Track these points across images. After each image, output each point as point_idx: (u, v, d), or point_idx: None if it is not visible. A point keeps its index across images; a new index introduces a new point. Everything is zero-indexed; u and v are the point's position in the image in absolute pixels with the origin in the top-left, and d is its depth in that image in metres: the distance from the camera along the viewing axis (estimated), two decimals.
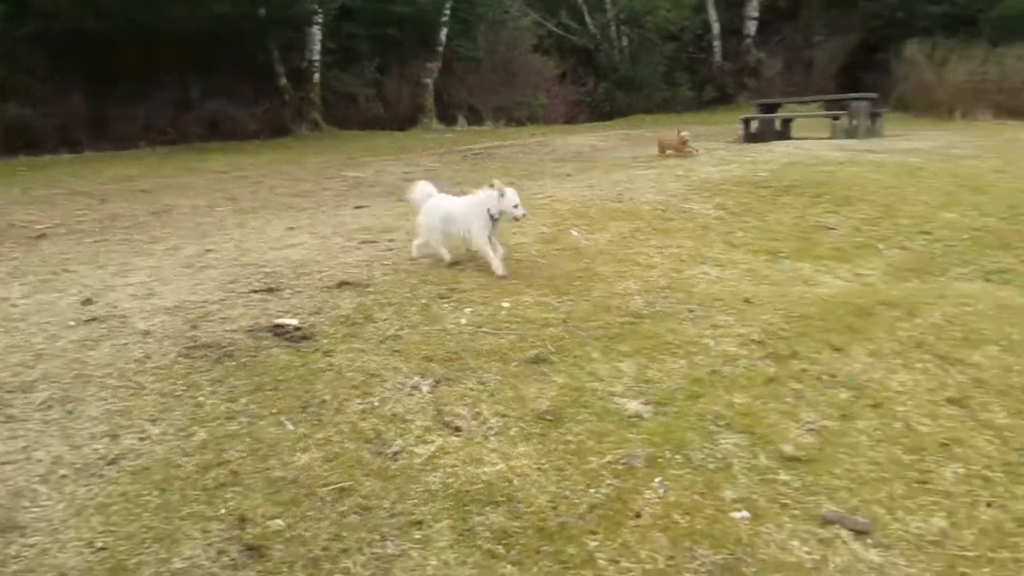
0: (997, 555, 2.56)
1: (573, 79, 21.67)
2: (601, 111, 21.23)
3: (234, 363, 3.60)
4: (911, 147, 10.49)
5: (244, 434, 3.03)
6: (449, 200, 4.96)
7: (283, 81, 17.71)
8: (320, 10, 16.91)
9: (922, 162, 8.84)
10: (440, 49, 19.50)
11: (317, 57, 17.86)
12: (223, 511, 2.59)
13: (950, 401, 3.44)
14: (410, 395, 3.33)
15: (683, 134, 10.28)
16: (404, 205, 6.55)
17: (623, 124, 17.44)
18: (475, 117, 18.92)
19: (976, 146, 10.91)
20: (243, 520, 2.53)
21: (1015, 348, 3.95)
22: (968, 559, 2.54)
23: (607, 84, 21.51)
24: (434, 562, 2.42)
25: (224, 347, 3.74)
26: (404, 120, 18.24)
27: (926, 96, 18.17)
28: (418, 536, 2.51)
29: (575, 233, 5.68)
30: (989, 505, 2.80)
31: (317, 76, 17.95)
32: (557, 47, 22.11)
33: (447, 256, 4.92)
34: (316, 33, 17.63)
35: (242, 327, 4.00)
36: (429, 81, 18.88)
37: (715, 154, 9.59)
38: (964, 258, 5.68)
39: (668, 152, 10.13)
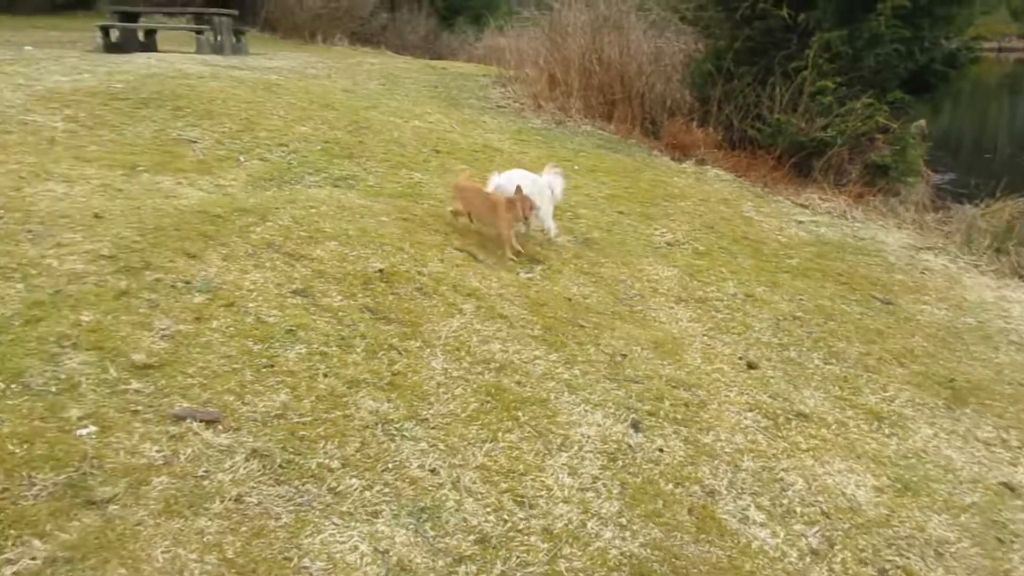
0: (330, 415, 2.97)
1: None
2: None
3: None
4: (272, 65, 10.98)
5: None
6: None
7: None
8: None
9: (280, 79, 9.33)
10: None
11: None
12: None
13: (295, 292, 3.80)
14: None
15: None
16: None
17: None
18: None
19: (330, 67, 11.93)
20: None
21: (351, 242, 4.52)
22: (306, 424, 2.88)
23: None
24: None
25: None
26: None
27: (289, 19, 19.10)
28: None
29: None
30: (326, 376, 3.21)
31: None
32: None
33: None
34: None
35: None
36: None
37: (66, 62, 8.66)
38: (316, 167, 6.24)
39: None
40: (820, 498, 3.22)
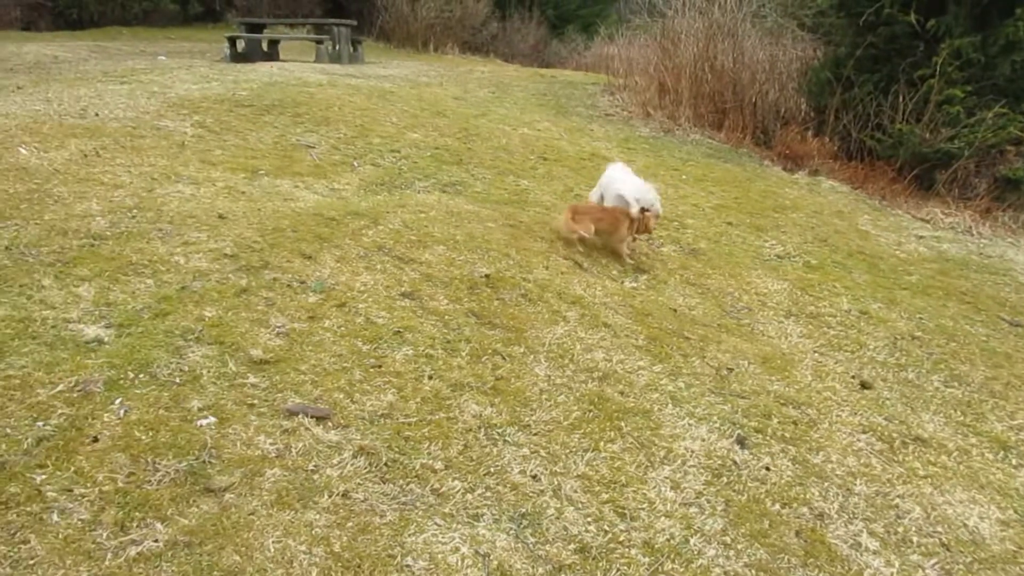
0: (435, 417, 3.02)
1: None
2: (68, 19, 18.61)
3: None
4: (386, 74, 11.28)
5: None
6: None
7: None
8: None
9: (394, 88, 9.58)
10: None
11: None
12: None
13: (403, 295, 3.88)
14: None
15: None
16: None
17: (95, 35, 15.57)
18: None
19: (441, 75, 12.17)
20: None
21: (458, 247, 4.59)
22: (411, 424, 2.94)
23: None
24: None
25: None
26: None
27: (404, 29, 19.58)
28: None
29: (23, 151, 4.98)
30: (431, 378, 3.27)
31: None
32: None
33: None
34: None
35: None
36: None
37: (196, 71, 9.15)
38: (425, 173, 6.36)
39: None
40: (939, 528, 3.05)
